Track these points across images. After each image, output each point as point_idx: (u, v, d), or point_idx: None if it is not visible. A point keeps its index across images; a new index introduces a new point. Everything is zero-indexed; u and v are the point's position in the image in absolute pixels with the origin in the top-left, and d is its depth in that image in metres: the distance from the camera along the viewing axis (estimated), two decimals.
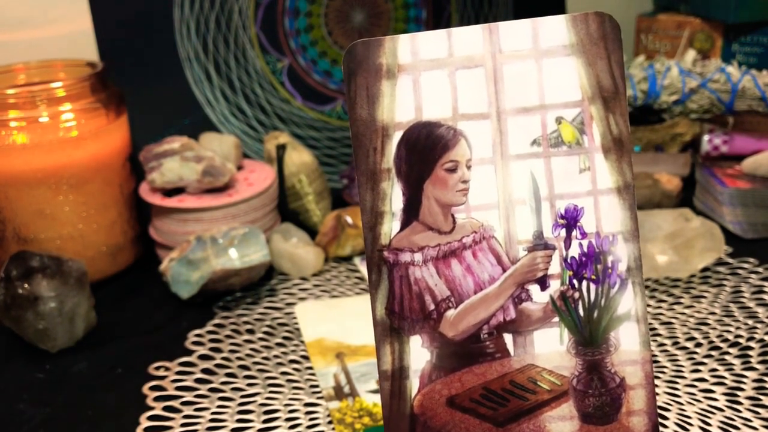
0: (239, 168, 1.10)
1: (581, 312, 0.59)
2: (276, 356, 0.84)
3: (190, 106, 1.17)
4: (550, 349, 0.60)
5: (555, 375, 0.60)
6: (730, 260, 0.99)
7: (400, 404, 0.60)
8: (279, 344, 0.86)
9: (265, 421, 0.74)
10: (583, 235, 0.59)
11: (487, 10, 1.25)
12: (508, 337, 0.61)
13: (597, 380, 0.59)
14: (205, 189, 1.01)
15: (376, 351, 0.60)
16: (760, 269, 0.96)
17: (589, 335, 0.59)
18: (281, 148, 1.09)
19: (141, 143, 1.08)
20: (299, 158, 1.10)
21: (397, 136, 0.59)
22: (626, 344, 0.60)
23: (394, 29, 1.22)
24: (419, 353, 0.60)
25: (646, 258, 0.94)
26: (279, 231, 1.04)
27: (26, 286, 0.84)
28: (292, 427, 0.73)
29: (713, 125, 1.20)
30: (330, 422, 0.73)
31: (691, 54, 1.26)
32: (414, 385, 0.61)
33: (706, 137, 1.19)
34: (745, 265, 0.97)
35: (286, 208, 1.10)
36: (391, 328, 0.60)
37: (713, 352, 0.81)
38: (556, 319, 0.60)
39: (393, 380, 0.60)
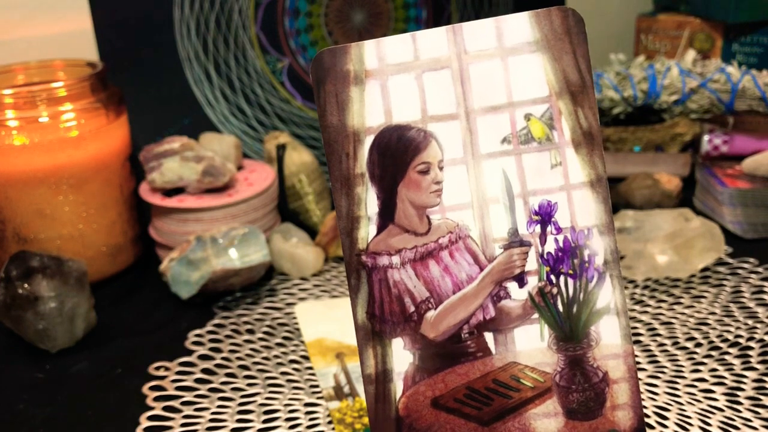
0: (239, 168, 1.10)
1: (560, 307, 0.59)
2: (276, 356, 0.84)
3: (190, 106, 1.17)
4: (531, 346, 0.60)
5: (538, 372, 0.60)
6: (730, 260, 0.98)
7: (385, 407, 0.61)
8: (279, 344, 0.87)
9: (265, 421, 0.74)
10: (558, 230, 0.59)
11: (487, 10, 1.25)
12: (488, 336, 0.61)
13: (580, 375, 0.59)
14: (205, 189, 1.01)
15: (359, 355, 0.60)
16: (760, 269, 0.96)
17: (570, 330, 0.59)
18: (281, 148, 1.09)
19: (141, 143, 1.08)
20: (299, 158, 1.10)
21: (368, 141, 0.59)
22: (607, 338, 0.60)
23: (394, 29, 1.22)
24: (402, 356, 0.61)
25: (645, 258, 0.94)
26: (279, 231, 1.04)
27: (26, 286, 0.85)
28: (292, 427, 0.73)
29: (713, 125, 1.19)
30: (330, 422, 0.74)
31: (691, 54, 1.26)
32: (398, 387, 0.61)
33: (706, 137, 1.19)
34: (745, 265, 0.97)
35: (286, 208, 1.10)
36: (373, 331, 0.60)
37: (713, 352, 0.81)
38: (536, 315, 0.60)
39: (377, 384, 0.60)
